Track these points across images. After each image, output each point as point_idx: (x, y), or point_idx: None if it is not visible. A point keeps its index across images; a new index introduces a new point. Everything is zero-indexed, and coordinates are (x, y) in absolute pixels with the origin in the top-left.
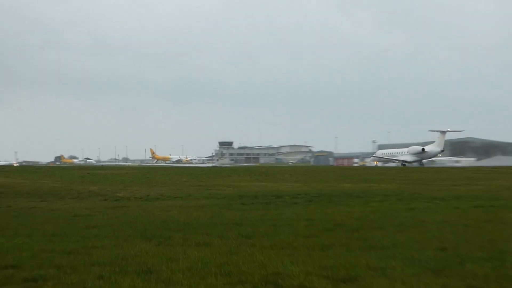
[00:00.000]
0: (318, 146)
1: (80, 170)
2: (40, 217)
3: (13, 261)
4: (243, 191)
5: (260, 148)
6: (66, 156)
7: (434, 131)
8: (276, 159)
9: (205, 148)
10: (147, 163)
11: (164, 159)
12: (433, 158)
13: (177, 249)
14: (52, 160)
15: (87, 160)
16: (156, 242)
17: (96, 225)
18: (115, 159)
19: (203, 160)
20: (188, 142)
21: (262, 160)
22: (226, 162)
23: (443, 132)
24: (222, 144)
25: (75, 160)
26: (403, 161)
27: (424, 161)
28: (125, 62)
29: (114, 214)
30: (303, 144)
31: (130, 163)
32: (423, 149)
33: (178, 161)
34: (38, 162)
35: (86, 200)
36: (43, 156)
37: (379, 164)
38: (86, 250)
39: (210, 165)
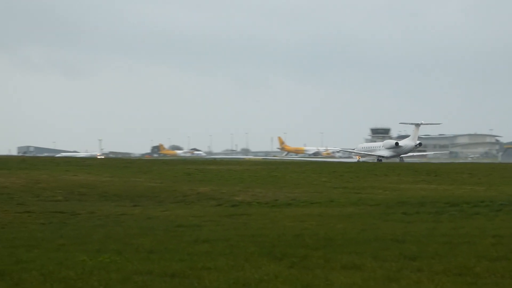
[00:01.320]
0: (509, 135)
1: (185, 164)
2: (133, 227)
3: (98, 286)
4: (404, 196)
5: (427, 138)
6: (166, 146)
7: (406, 123)
8: (450, 152)
9: (352, 137)
10: (274, 156)
11: (297, 151)
12: (410, 153)
13: (317, 273)
14: (149, 151)
15: (195, 152)
16: (288, 263)
17: (207, 238)
18: (232, 150)
19: (350, 153)
20: (329, 128)
21: (431, 154)
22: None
23: (417, 125)
24: (375, 132)
25: (178, 152)
26: (379, 156)
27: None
28: (241, 21)
29: (231, 224)
30: (488, 133)
31: (251, 156)
32: (396, 144)
33: (316, 154)
34: (130, 154)
35: (194, 205)
36: (137, 145)
37: (362, 159)
38: (195, 272)
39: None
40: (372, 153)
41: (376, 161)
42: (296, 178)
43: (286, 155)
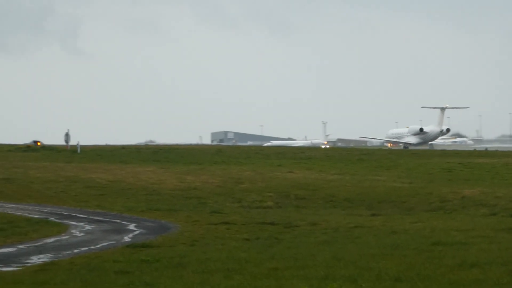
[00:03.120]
0: None
1: (443, 157)
2: (372, 244)
3: None
4: None
5: None
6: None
7: (429, 107)
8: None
9: None
10: None
11: None
12: (436, 141)
13: None
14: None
15: (457, 139)
16: None
17: (477, 262)
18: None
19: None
20: None
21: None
22: None
23: (442, 109)
24: None
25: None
26: (405, 143)
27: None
28: None
29: (511, 242)
30: None
31: None
32: (421, 129)
33: None
34: (365, 142)
35: (457, 215)
36: (374, 130)
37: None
38: None
39: None
40: (399, 140)
41: (403, 148)
42: None
43: None
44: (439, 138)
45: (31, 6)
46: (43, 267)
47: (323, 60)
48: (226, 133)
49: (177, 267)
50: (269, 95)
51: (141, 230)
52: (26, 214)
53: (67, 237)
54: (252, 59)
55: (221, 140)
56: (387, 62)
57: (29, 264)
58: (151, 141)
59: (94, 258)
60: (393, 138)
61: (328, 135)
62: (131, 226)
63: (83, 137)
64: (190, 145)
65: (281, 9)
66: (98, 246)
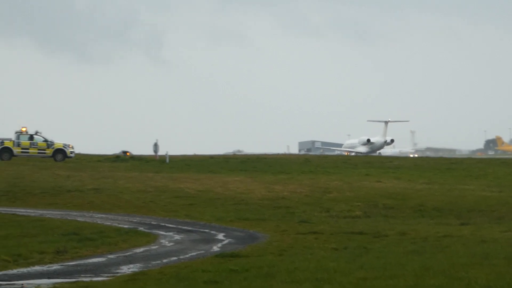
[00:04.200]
0: None
1: None
2: (461, 254)
3: None
4: None
5: None
6: (506, 139)
7: (373, 121)
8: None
9: None
10: None
11: None
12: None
13: None
14: (481, 147)
15: None
16: None
17: None
18: None
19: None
20: None
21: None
22: None
23: (386, 123)
24: None
25: None
26: (357, 152)
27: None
28: None
29: None
30: None
31: None
32: (368, 140)
33: None
34: (454, 151)
35: None
36: (464, 138)
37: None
38: None
39: None
40: (353, 150)
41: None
42: None
43: None
44: (384, 147)
45: (114, 15)
46: (132, 277)
47: (410, 69)
48: (313, 142)
49: (266, 276)
50: (356, 104)
51: (230, 239)
52: (116, 224)
53: (156, 247)
54: (337, 68)
55: (308, 150)
56: (474, 69)
57: (119, 274)
58: (239, 151)
59: (183, 268)
60: (348, 148)
61: (416, 143)
62: (220, 236)
63: (171, 147)
64: (278, 154)
65: (364, 18)
66: (187, 255)
